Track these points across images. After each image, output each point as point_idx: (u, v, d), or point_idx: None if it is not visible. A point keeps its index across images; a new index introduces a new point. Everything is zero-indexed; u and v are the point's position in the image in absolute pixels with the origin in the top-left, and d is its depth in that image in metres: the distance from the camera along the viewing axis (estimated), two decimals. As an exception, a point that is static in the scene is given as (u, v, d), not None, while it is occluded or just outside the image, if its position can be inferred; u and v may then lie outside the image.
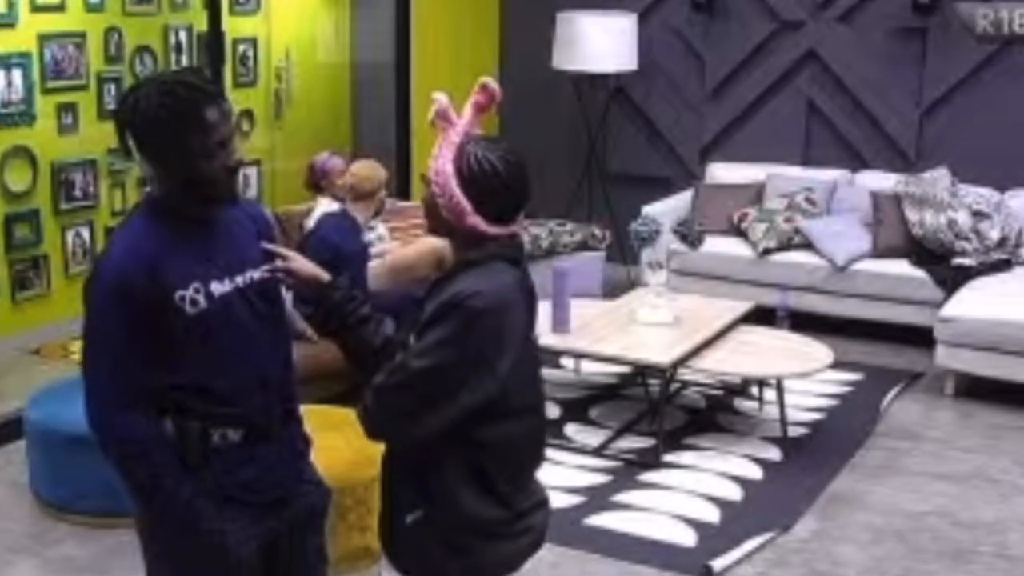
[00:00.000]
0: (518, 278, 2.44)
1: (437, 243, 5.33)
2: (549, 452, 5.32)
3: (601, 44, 7.47)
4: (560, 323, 5.38)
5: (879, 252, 6.74)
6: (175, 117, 2.43)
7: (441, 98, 2.45)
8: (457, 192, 2.36)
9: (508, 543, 2.47)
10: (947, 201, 6.65)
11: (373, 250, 5.91)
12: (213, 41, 6.45)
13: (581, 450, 5.27)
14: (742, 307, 5.84)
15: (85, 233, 6.74)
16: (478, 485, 2.40)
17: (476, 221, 2.37)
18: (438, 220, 2.43)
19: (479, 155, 2.38)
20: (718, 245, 7.05)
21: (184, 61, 7.14)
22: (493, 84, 2.47)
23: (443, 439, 2.37)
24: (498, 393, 2.36)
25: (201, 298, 2.50)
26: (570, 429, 5.50)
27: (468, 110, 2.46)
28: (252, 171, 7.59)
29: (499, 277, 2.38)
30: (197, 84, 2.48)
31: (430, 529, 2.42)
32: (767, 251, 6.88)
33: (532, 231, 7.20)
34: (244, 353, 2.57)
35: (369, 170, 5.45)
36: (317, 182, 5.81)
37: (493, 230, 2.40)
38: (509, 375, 2.37)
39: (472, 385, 2.33)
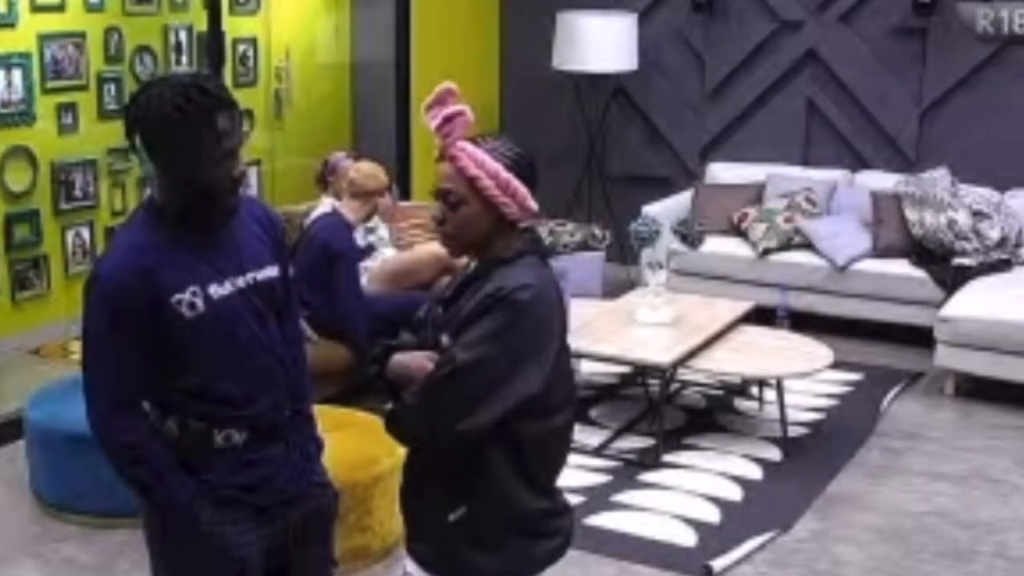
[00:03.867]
0: (548, 272, 2.49)
1: (440, 248, 5.33)
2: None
3: (601, 44, 7.47)
4: (560, 323, 5.37)
5: (879, 252, 6.74)
6: (187, 120, 2.41)
7: (467, 112, 2.44)
8: (518, 183, 2.43)
9: (544, 542, 2.50)
10: (947, 201, 6.65)
11: (375, 253, 5.91)
12: (213, 41, 6.45)
13: (581, 450, 5.26)
14: (742, 307, 5.84)
15: (85, 233, 6.73)
16: (523, 478, 2.42)
17: (532, 203, 2.46)
18: (488, 226, 2.44)
19: (505, 146, 2.45)
20: (718, 245, 7.04)
21: (184, 61, 7.14)
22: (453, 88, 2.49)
23: (486, 435, 2.38)
24: (543, 387, 2.38)
25: (199, 301, 2.49)
26: (570, 429, 5.49)
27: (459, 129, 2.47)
28: (252, 171, 7.59)
29: (536, 271, 2.43)
30: (211, 90, 2.46)
31: (473, 526, 2.43)
32: (767, 251, 6.88)
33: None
34: (247, 355, 2.56)
35: (373, 170, 5.45)
36: (325, 177, 5.83)
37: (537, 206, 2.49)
38: (553, 367, 2.40)
39: (520, 377, 2.35)
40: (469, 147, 2.43)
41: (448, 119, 2.44)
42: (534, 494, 2.45)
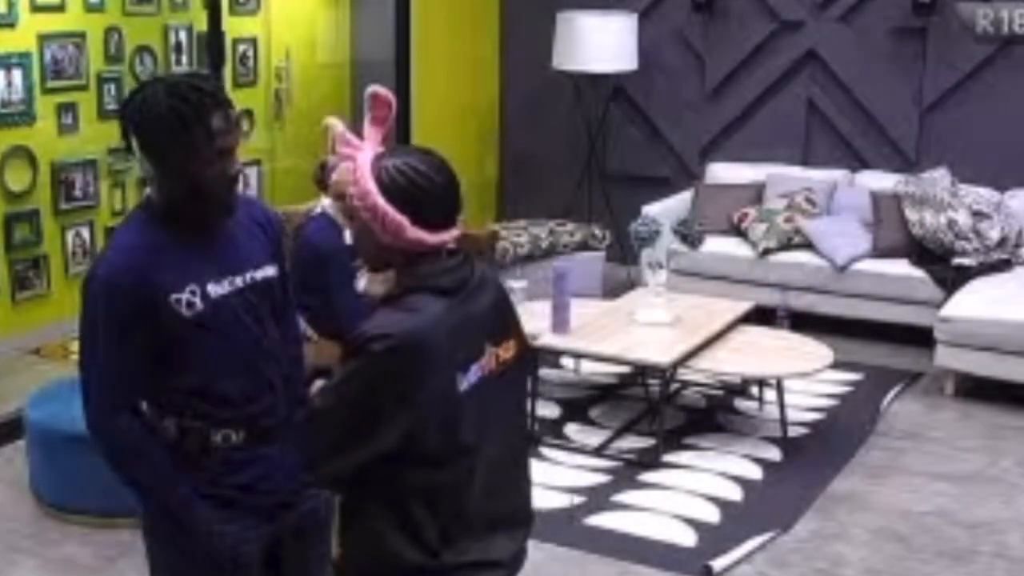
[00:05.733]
0: (445, 309, 2.23)
1: None
2: (550, 452, 5.31)
3: (601, 44, 7.47)
4: (560, 323, 5.38)
5: (879, 252, 6.74)
6: (180, 119, 2.41)
7: (336, 123, 2.39)
8: (389, 209, 2.20)
9: None
10: (947, 201, 6.65)
11: None
12: (213, 41, 6.45)
13: (581, 450, 5.27)
14: (742, 307, 5.84)
15: (85, 233, 6.74)
16: (404, 529, 2.22)
17: (417, 234, 2.22)
18: (375, 248, 2.27)
19: (396, 165, 2.23)
20: (718, 245, 7.05)
21: (184, 61, 7.15)
22: (385, 92, 2.34)
23: (370, 478, 2.23)
24: (403, 442, 2.17)
25: (197, 300, 2.49)
26: (570, 429, 5.50)
27: (368, 128, 2.34)
28: (252, 171, 7.59)
29: (418, 314, 2.20)
30: (206, 89, 2.46)
31: (350, 567, 2.34)
32: (767, 251, 6.88)
33: (532, 231, 7.20)
34: (246, 354, 2.56)
35: (349, 173, 5.43)
36: (322, 179, 5.83)
37: (436, 238, 2.24)
38: (420, 419, 2.18)
39: (375, 430, 2.17)
40: (363, 156, 2.26)
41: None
42: (415, 548, 2.22)
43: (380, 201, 2.21)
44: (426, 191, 2.23)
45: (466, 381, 2.24)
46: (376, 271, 2.32)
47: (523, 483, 2.46)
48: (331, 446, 2.22)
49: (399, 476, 2.22)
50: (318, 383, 2.39)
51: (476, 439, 2.26)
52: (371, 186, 2.22)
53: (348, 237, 5.63)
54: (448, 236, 2.27)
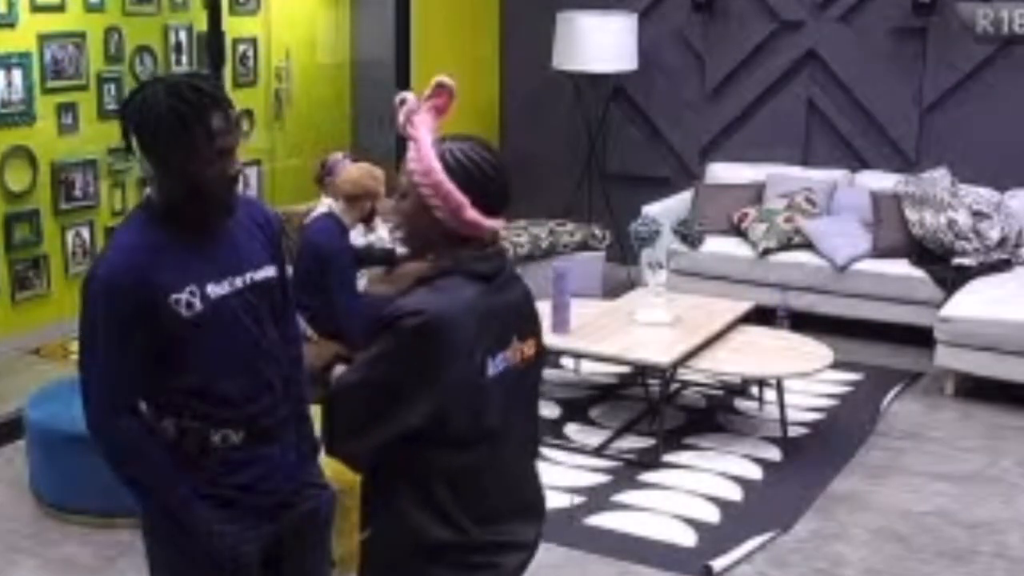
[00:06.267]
0: (478, 294, 2.29)
1: None
2: (550, 452, 5.31)
3: (601, 44, 7.47)
4: (560, 323, 5.38)
5: (879, 252, 6.74)
6: (180, 119, 2.41)
7: (411, 97, 2.40)
8: (453, 187, 2.27)
9: (461, 572, 2.32)
10: (947, 201, 6.65)
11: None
12: (213, 41, 6.45)
13: (581, 450, 5.27)
14: (742, 307, 5.84)
15: (85, 233, 6.74)
16: (428, 507, 2.27)
17: (475, 216, 2.28)
18: (425, 228, 2.31)
19: (461, 148, 2.31)
20: (718, 245, 7.05)
21: (184, 61, 7.15)
22: (450, 81, 2.40)
23: (394, 458, 2.27)
24: (431, 420, 2.22)
25: (196, 300, 2.49)
26: (570, 429, 5.50)
27: (425, 115, 2.37)
28: (252, 171, 7.60)
29: (450, 295, 2.25)
30: (206, 89, 2.46)
31: (378, 549, 2.35)
32: (767, 251, 6.88)
33: (532, 231, 7.20)
34: (245, 355, 2.56)
35: (357, 175, 5.40)
36: (322, 178, 5.85)
37: (489, 223, 2.31)
38: (447, 400, 2.23)
39: (402, 407, 2.22)
40: (422, 138, 2.31)
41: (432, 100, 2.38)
42: (441, 525, 2.27)
43: (444, 178, 2.27)
44: (488, 176, 2.31)
45: (493, 367, 2.30)
46: (416, 257, 2.38)
47: (536, 480, 2.51)
48: (349, 427, 2.27)
49: (422, 456, 2.26)
50: (339, 368, 2.40)
51: (500, 425, 2.32)
52: (436, 164, 2.28)
53: (352, 238, 5.66)
54: (498, 224, 2.34)
